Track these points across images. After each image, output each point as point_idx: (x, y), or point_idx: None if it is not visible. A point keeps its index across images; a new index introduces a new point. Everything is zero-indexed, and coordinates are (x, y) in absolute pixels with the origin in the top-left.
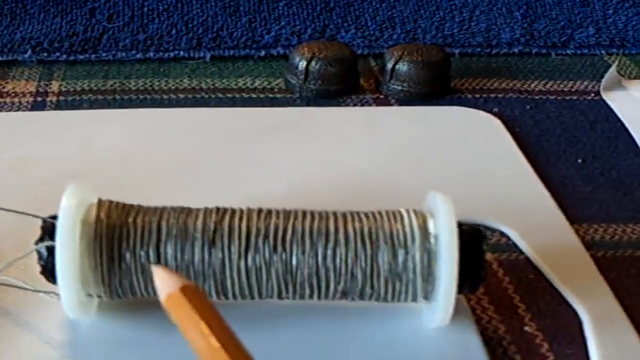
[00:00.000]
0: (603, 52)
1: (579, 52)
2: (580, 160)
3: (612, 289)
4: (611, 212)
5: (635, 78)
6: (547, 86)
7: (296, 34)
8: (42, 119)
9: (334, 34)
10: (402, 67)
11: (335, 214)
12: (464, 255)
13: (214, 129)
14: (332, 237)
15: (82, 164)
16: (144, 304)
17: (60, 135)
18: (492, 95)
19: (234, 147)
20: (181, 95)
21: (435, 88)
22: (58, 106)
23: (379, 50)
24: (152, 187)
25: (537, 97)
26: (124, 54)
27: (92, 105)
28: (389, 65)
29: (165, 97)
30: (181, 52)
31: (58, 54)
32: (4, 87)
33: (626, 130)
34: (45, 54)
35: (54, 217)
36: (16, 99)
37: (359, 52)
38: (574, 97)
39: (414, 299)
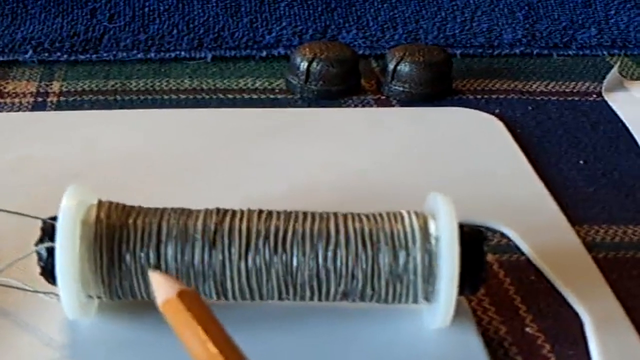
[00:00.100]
0: (605, 52)
1: (580, 52)
2: (581, 161)
3: (614, 290)
4: (613, 213)
5: (637, 79)
6: (549, 87)
7: (297, 35)
8: (43, 119)
9: (335, 35)
10: (404, 67)
11: (335, 215)
12: (465, 257)
13: (215, 130)
14: (332, 239)
15: (83, 165)
16: (144, 305)
17: (61, 135)
18: (494, 96)
19: (235, 147)
20: (182, 96)
21: (436, 89)
22: (59, 107)
23: (380, 51)
24: (153, 188)
25: (538, 98)
26: (125, 54)
27: (93, 105)
28: (391, 66)
29: (166, 97)
30: (182, 53)
31: (59, 54)
32: (4, 88)
33: (628, 131)
34: (46, 54)
35: (54, 218)
36: (17, 100)
37: (361, 52)
38: (576, 98)
39: (415, 300)
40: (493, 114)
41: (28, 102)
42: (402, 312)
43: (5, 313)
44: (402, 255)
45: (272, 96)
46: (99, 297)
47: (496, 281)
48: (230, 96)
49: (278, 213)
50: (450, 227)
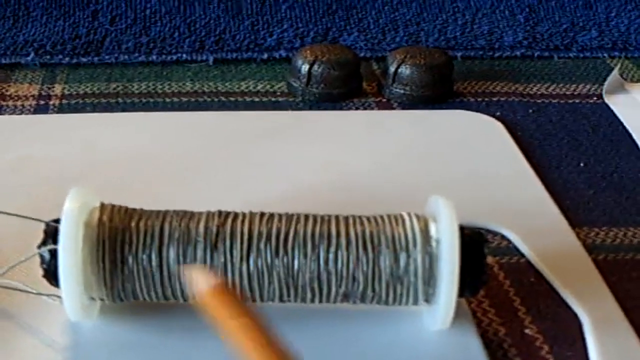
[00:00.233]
0: (605, 55)
1: (581, 55)
2: (582, 164)
3: (613, 292)
4: (613, 215)
5: (637, 81)
6: (550, 90)
7: (299, 37)
8: (45, 122)
9: (337, 37)
10: (405, 70)
11: (337, 217)
12: (465, 259)
13: (217, 132)
14: (333, 241)
15: (85, 167)
16: (146, 307)
17: (63, 138)
18: (495, 99)
19: (236, 150)
20: (184, 99)
21: (437, 91)
22: (61, 109)
23: (381, 54)
24: (155, 190)
25: (539, 101)
26: (126, 56)
27: (95, 108)
28: (392, 69)
29: (167, 100)
30: (184, 55)
31: (61, 56)
32: (7, 90)
33: (628, 133)
34: (48, 57)
35: (57, 221)
36: (19, 102)
37: (362, 55)
38: (577, 101)
39: (415, 302)
40: (494, 116)
41: (30, 105)
42: (402, 314)
43: (8, 315)
44: (402, 258)
45: (273, 99)
46: (101, 300)
47: (496, 283)
48: (231, 99)
49: (279, 215)
50: (451, 229)
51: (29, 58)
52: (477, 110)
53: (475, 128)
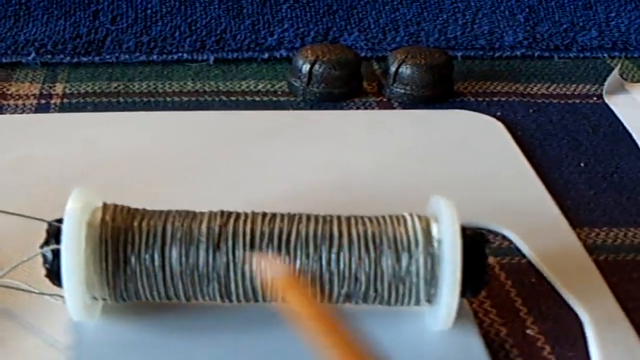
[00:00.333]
0: (605, 55)
1: (581, 55)
2: (582, 164)
3: (614, 292)
4: (613, 215)
5: (637, 81)
6: (550, 89)
7: (299, 37)
8: (46, 121)
9: (337, 37)
10: (405, 70)
11: (339, 217)
12: (467, 259)
13: (217, 132)
14: (336, 241)
15: (86, 167)
16: (149, 306)
17: (64, 137)
18: (495, 99)
19: (236, 149)
20: (185, 98)
21: (438, 91)
22: (62, 108)
23: (382, 53)
24: (156, 190)
25: (539, 101)
26: (127, 56)
27: (96, 107)
28: (392, 68)
29: (168, 99)
30: (185, 55)
31: (62, 56)
32: (7, 90)
33: (628, 133)
34: (49, 56)
35: (59, 221)
36: (20, 101)
37: (362, 55)
38: (577, 101)
39: (417, 303)
40: (494, 116)
41: (32, 104)
42: (404, 314)
43: (10, 314)
44: (404, 258)
45: (274, 98)
46: (103, 299)
47: (497, 284)
48: (232, 98)
49: (282, 215)
50: (453, 230)
51: (30, 57)
52: (477, 110)
53: (475, 128)
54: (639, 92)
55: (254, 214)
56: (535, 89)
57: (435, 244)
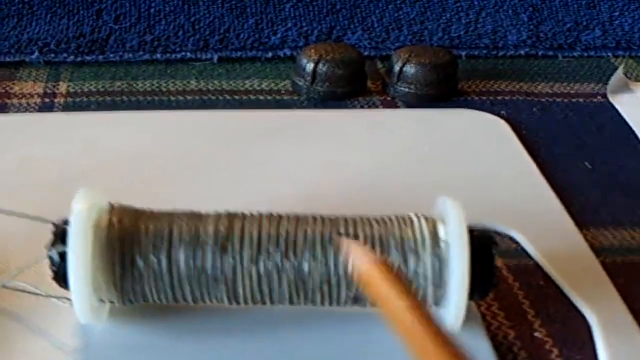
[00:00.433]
0: (609, 54)
1: (585, 54)
2: (587, 163)
3: (621, 294)
4: (620, 216)
5: None
6: (554, 88)
7: (303, 36)
8: (49, 120)
9: (341, 36)
10: (409, 69)
11: (345, 219)
12: (475, 262)
13: (221, 131)
14: None
15: (88, 166)
16: (156, 309)
17: (66, 137)
18: (499, 98)
19: (240, 148)
20: (188, 97)
21: (442, 90)
22: (66, 107)
23: (385, 52)
24: (159, 190)
25: (543, 100)
26: (131, 55)
27: (100, 106)
28: (396, 67)
29: (172, 98)
30: (188, 54)
31: (65, 55)
32: (11, 88)
33: (633, 132)
34: (53, 55)
35: (65, 222)
36: (24, 100)
37: (366, 53)
38: (581, 100)
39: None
40: (498, 115)
41: (35, 103)
42: None
43: (17, 317)
44: (411, 260)
45: (278, 97)
46: (110, 302)
47: (505, 286)
48: (236, 97)
49: (288, 217)
50: (460, 232)
51: (33, 56)
52: (481, 109)
53: (479, 127)
54: None
55: (260, 215)
56: (539, 87)
57: (443, 246)
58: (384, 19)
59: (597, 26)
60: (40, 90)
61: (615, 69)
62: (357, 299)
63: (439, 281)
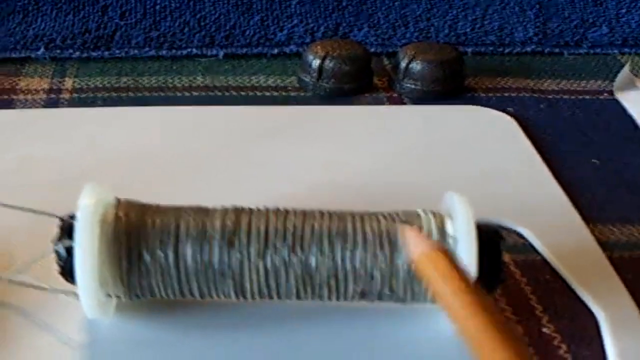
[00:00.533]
0: (616, 51)
1: (592, 51)
2: (593, 160)
3: (629, 289)
4: (626, 212)
5: None
6: (560, 85)
7: (309, 32)
8: (54, 116)
9: (347, 32)
10: (416, 65)
11: (353, 214)
12: (482, 257)
13: (227, 127)
14: (350, 238)
15: (93, 163)
16: (163, 304)
17: (71, 133)
18: (506, 94)
19: (245, 146)
20: (194, 93)
21: (448, 87)
22: (71, 103)
23: (392, 49)
24: (164, 186)
25: (550, 97)
26: (136, 51)
27: (105, 102)
28: (403, 64)
29: (178, 94)
30: (194, 50)
31: (71, 51)
32: (17, 84)
33: (639, 130)
34: (58, 51)
35: (72, 217)
36: (29, 96)
37: (372, 50)
38: (587, 97)
39: (433, 301)
40: (505, 111)
41: (41, 99)
42: (419, 312)
43: (23, 312)
44: None
45: (284, 93)
46: (117, 297)
47: (513, 281)
48: (242, 93)
49: (295, 212)
50: (468, 227)
51: (39, 52)
52: (487, 106)
53: (486, 123)
54: None
55: (267, 210)
56: (546, 84)
57: (451, 241)
58: (390, 16)
59: (604, 23)
60: (46, 86)
61: (622, 66)
62: (364, 294)
63: None
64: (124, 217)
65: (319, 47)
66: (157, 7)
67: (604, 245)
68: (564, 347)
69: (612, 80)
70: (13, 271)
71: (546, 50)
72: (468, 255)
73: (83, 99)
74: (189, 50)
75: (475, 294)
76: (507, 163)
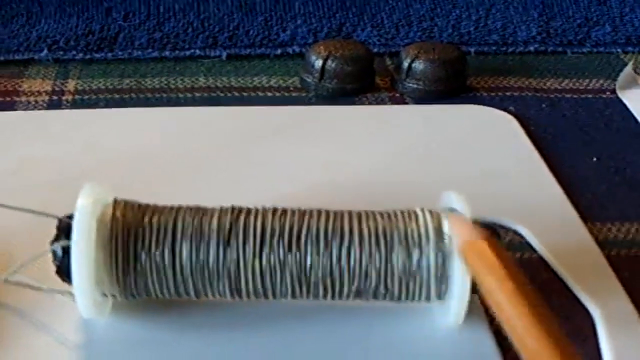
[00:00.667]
0: (619, 50)
1: (595, 50)
2: (595, 159)
3: (626, 288)
4: (626, 210)
5: None
6: (563, 84)
7: (312, 33)
8: (56, 117)
9: (350, 33)
10: (418, 65)
11: (350, 213)
12: None
13: (229, 128)
14: (346, 237)
15: (92, 164)
16: (159, 303)
17: (73, 134)
18: (508, 94)
19: (248, 145)
20: (197, 94)
21: (451, 86)
22: (74, 105)
23: (395, 49)
24: (166, 186)
25: (552, 96)
26: (140, 52)
27: (108, 104)
28: (405, 64)
29: (181, 95)
30: (197, 51)
31: (74, 52)
32: (20, 86)
33: None
34: (62, 53)
35: (70, 217)
36: (32, 98)
37: (375, 50)
38: (590, 96)
39: (428, 299)
40: (507, 111)
41: (43, 101)
42: (414, 311)
43: (20, 312)
44: (415, 254)
45: (286, 94)
46: (113, 296)
47: None
48: (245, 94)
49: (292, 211)
50: None
51: (42, 54)
52: (490, 105)
53: (488, 123)
54: None
55: (265, 210)
56: (548, 83)
57: (447, 240)
58: (393, 16)
59: (607, 22)
60: (49, 88)
61: (625, 65)
62: (360, 293)
63: (443, 275)
64: (121, 217)
65: (321, 47)
66: (161, 8)
67: (603, 243)
68: None
69: (615, 79)
70: (9, 271)
71: (549, 50)
72: None
73: (86, 101)
74: (192, 51)
75: (519, 284)
76: (507, 162)
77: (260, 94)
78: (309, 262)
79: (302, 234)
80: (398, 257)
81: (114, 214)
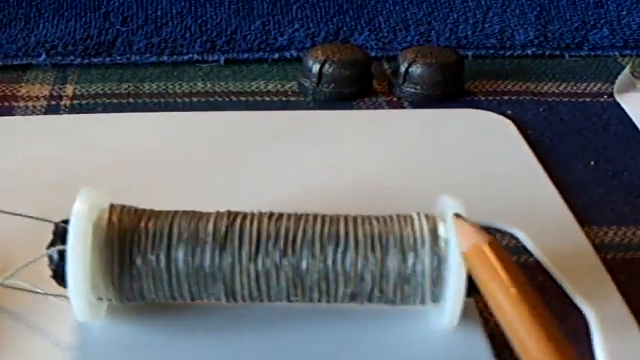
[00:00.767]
0: (617, 53)
1: (592, 53)
2: (592, 162)
3: (622, 291)
4: (622, 214)
5: None
6: (561, 88)
7: (310, 37)
8: (55, 122)
9: (348, 37)
10: (416, 69)
11: (345, 217)
12: None
13: (227, 133)
14: (342, 241)
15: (92, 168)
16: (154, 307)
17: (70, 139)
18: (506, 98)
19: (246, 150)
20: (195, 99)
21: (448, 90)
22: (72, 110)
23: (392, 53)
24: (164, 191)
25: (550, 99)
26: (137, 57)
27: (106, 108)
28: (402, 68)
29: (179, 100)
30: (195, 56)
31: (72, 57)
32: (18, 91)
33: (639, 132)
34: (60, 58)
35: (66, 221)
36: (30, 103)
37: (373, 54)
38: (587, 99)
39: (423, 302)
40: (504, 115)
41: (42, 106)
42: (409, 313)
43: (15, 315)
44: (410, 258)
45: (284, 98)
46: (108, 300)
47: None
48: (242, 98)
49: (288, 215)
50: None
51: (40, 59)
52: (487, 109)
53: (485, 127)
54: None
55: (261, 214)
56: (546, 87)
57: (442, 244)
58: (390, 20)
59: (605, 26)
60: (47, 93)
61: (623, 68)
62: (354, 296)
63: (438, 278)
64: (117, 222)
65: (319, 51)
66: (159, 12)
67: (599, 246)
68: None
69: (613, 83)
70: (5, 275)
71: (547, 53)
72: (459, 257)
73: (84, 106)
74: (190, 55)
75: (522, 289)
76: (505, 166)
77: (258, 98)
78: (304, 266)
79: (298, 238)
80: (393, 261)
81: (110, 218)
